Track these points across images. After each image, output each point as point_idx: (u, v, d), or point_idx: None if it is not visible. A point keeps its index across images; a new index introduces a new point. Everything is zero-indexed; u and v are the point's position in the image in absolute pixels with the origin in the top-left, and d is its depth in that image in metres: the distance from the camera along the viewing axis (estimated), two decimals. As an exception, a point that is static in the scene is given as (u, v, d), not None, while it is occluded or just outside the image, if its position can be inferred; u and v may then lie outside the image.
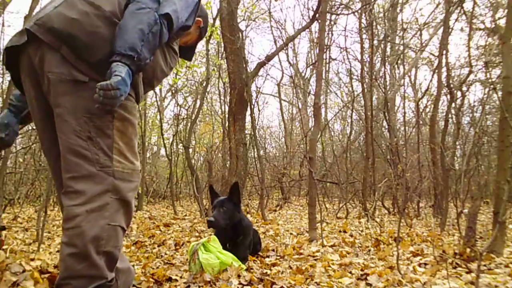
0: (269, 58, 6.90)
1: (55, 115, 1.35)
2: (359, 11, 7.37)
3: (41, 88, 1.39)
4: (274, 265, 2.51)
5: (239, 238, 2.56)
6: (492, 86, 4.58)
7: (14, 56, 1.42)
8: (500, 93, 3.00)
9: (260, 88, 12.47)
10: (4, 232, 3.48)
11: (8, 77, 5.13)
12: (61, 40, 1.30)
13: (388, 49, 9.75)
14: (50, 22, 1.31)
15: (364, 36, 7.46)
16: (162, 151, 12.73)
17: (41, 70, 1.35)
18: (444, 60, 5.44)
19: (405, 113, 8.18)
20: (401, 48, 8.77)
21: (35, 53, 1.35)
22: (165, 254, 2.91)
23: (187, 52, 1.88)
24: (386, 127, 8.00)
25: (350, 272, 2.30)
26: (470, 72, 5.79)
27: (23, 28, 1.36)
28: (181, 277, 2.17)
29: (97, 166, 1.30)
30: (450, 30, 5.75)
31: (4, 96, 3.46)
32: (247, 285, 2.04)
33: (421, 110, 8.10)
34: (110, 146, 1.32)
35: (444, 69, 5.48)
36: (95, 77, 1.30)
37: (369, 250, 3.04)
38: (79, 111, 1.30)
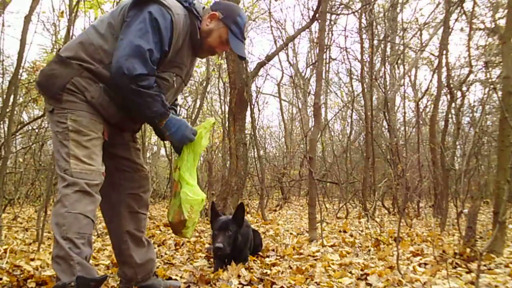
0: (269, 58, 6.89)
1: None
2: (359, 11, 7.37)
3: None
4: (274, 265, 2.51)
5: (238, 241, 2.53)
6: (492, 86, 4.58)
7: None
8: (500, 93, 3.00)
9: (260, 88, 12.46)
10: (4, 232, 3.48)
11: (8, 77, 5.13)
12: (39, 87, 1.71)
13: (388, 49, 9.75)
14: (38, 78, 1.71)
15: (364, 36, 7.46)
16: (162, 151, 12.72)
17: None
18: (444, 60, 5.45)
19: (405, 113, 8.19)
20: (401, 48, 8.78)
21: None
22: (165, 254, 2.91)
23: (237, 47, 1.84)
24: (386, 127, 8.01)
25: (350, 272, 2.29)
26: (470, 72, 5.79)
27: None
28: (181, 277, 2.17)
29: (61, 170, 1.58)
30: (450, 30, 5.75)
31: (4, 96, 3.46)
32: (247, 285, 2.04)
33: (421, 110, 8.10)
34: (67, 154, 1.58)
35: (444, 69, 5.49)
36: (56, 105, 1.63)
37: (369, 250, 3.04)
38: (52, 132, 1.67)
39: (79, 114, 1.62)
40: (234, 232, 2.43)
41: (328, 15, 7.12)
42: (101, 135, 1.67)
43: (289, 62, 12.00)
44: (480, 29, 6.52)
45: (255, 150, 6.51)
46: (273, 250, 2.97)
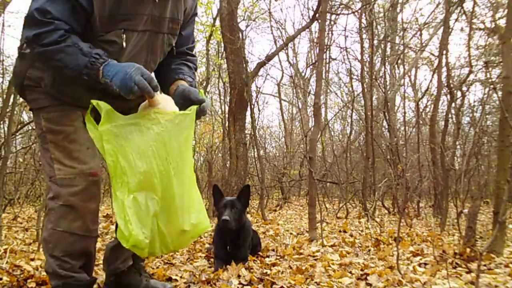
0: (269, 58, 6.90)
1: None
2: (359, 11, 7.37)
3: None
4: (274, 265, 2.51)
5: (240, 240, 2.54)
6: (492, 86, 4.58)
7: None
8: (500, 93, 3.00)
9: (260, 88, 12.46)
10: (4, 232, 3.48)
11: (8, 77, 5.13)
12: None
13: (388, 49, 9.74)
14: None
15: (364, 36, 7.45)
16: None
17: None
18: (444, 60, 5.44)
19: (405, 113, 8.19)
20: (401, 48, 8.77)
21: None
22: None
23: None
24: (386, 127, 8.00)
25: (350, 272, 2.29)
26: (470, 72, 5.79)
27: None
28: (181, 277, 2.17)
29: (48, 178, 1.47)
30: (450, 30, 5.75)
31: (4, 96, 3.46)
32: (247, 285, 2.04)
33: (421, 110, 8.10)
34: (50, 158, 1.44)
35: (444, 69, 5.48)
36: (29, 106, 1.51)
37: (369, 250, 3.03)
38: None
39: (48, 110, 1.45)
40: (240, 210, 2.46)
41: (328, 15, 7.12)
42: (80, 125, 1.45)
43: (289, 62, 11.99)
44: (480, 29, 6.52)
45: (255, 150, 6.50)
46: (273, 250, 2.97)
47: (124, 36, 1.42)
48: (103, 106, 1.28)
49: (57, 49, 1.30)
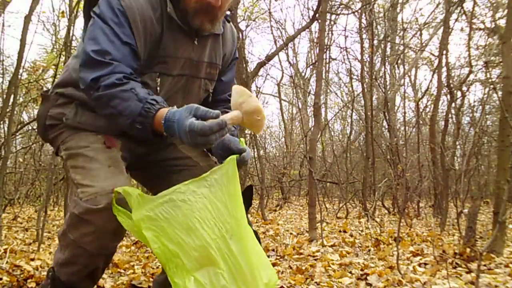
0: (269, 58, 6.90)
1: None
2: (359, 11, 7.37)
3: None
4: (274, 265, 2.51)
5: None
6: (492, 86, 4.58)
7: None
8: (500, 93, 3.00)
9: (260, 88, 12.44)
10: (4, 232, 3.48)
11: (8, 77, 5.13)
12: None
13: (388, 49, 9.74)
14: None
15: (364, 36, 7.45)
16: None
17: None
18: (444, 60, 5.45)
19: (405, 113, 8.18)
20: (401, 48, 8.77)
21: None
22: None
23: None
24: (386, 127, 8.00)
25: (350, 272, 2.29)
26: (470, 72, 5.79)
27: None
28: (181, 277, 2.17)
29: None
30: (450, 30, 5.75)
31: (4, 96, 3.46)
32: (247, 285, 2.04)
33: (421, 110, 8.10)
34: (74, 184, 1.33)
35: (444, 69, 5.49)
36: (53, 147, 1.48)
37: (369, 250, 3.04)
38: None
39: (67, 140, 1.37)
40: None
41: (328, 15, 7.11)
42: (99, 146, 1.34)
43: (289, 62, 11.96)
44: (480, 29, 6.52)
45: (255, 150, 6.50)
46: (273, 250, 2.97)
47: (159, 80, 1.35)
48: (131, 192, 1.13)
49: (112, 94, 1.18)
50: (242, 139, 1.34)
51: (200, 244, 1.10)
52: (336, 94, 12.34)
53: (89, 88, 1.21)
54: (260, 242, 2.86)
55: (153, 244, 1.09)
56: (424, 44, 9.54)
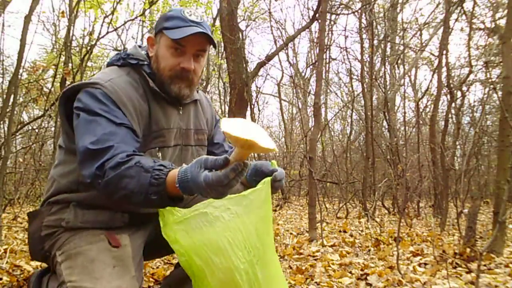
0: (269, 58, 6.90)
1: None
2: (359, 11, 7.37)
3: None
4: (274, 265, 2.51)
5: None
6: (492, 86, 4.58)
7: None
8: (500, 93, 3.00)
9: (260, 88, 12.45)
10: (4, 232, 3.48)
11: (8, 77, 5.13)
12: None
13: (388, 49, 9.75)
14: None
15: (364, 36, 7.46)
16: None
17: None
18: (444, 60, 5.44)
19: (405, 113, 8.19)
20: (401, 48, 8.77)
21: None
22: (165, 254, 2.91)
23: (182, 31, 1.36)
24: (386, 127, 8.01)
25: (350, 272, 2.29)
26: (470, 72, 5.79)
27: None
28: (181, 277, 2.17)
29: None
30: (450, 30, 5.75)
31: (4, 96, 3.46)
32: (247, 285, 2.04)
33: (421, 110, 8.10)
34: None
35: (444, 69, 5.49)
36: (51, 264, 1.33)
37: (369, 250, 3.04)
38: None
39: (65, 243, 1.27)
40: None
41: (328, 15, 7.11)
42: (104, 246, 1.24)
43: (289, 62, 11.98)
44: (480, 29, 6.52)
45: (255, 150, 6.49)
46: (273, 250, 2.97)
47: (160, 154, 1.35)
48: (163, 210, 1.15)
49: (119, 175, 1.11)
50: (273, 161, 1.31)
51: (227, 266, 1.06)
52: (336, 94, 12.35)
53: (96, 177, 1.15)
54: None
55: (181, 257, 1.09)
56: (424, 44, 9.55)
